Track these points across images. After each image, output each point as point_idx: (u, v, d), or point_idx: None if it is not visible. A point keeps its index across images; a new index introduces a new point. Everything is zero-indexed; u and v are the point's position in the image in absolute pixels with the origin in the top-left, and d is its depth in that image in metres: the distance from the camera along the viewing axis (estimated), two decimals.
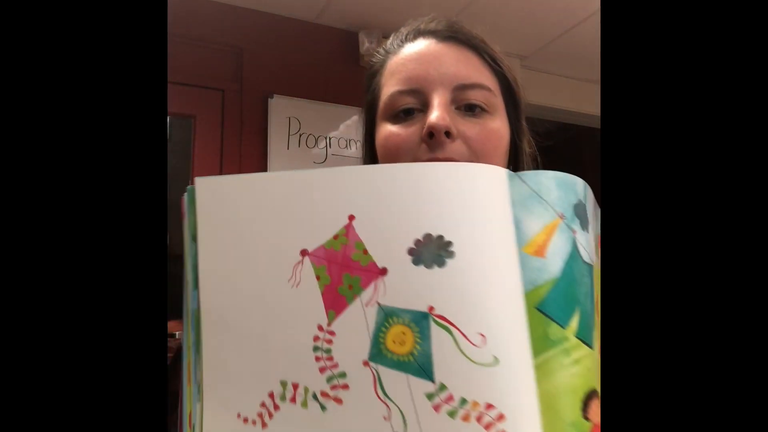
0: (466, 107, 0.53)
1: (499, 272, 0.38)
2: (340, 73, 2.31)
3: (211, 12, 2.10)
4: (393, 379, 0.37)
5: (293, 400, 0.37)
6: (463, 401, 0.36)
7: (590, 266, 0.40)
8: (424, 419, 0.36)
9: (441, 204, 0.38)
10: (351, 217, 0.38)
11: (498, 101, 0.55)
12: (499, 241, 0.38)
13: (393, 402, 0.36)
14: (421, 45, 0.56)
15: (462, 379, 0.36)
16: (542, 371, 0.37)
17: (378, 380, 0.37)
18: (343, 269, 0.37)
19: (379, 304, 0.37)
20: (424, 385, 0.36)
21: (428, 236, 0.37)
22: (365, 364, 0.37)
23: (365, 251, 0.37)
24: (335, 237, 0.38)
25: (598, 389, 0.38)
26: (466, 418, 0.36)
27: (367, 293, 0.37)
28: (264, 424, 0.37)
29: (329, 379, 0.37)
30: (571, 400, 0.37)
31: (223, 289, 0.38)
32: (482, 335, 0.36)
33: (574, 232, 0.40)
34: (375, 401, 0.37)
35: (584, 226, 0.41)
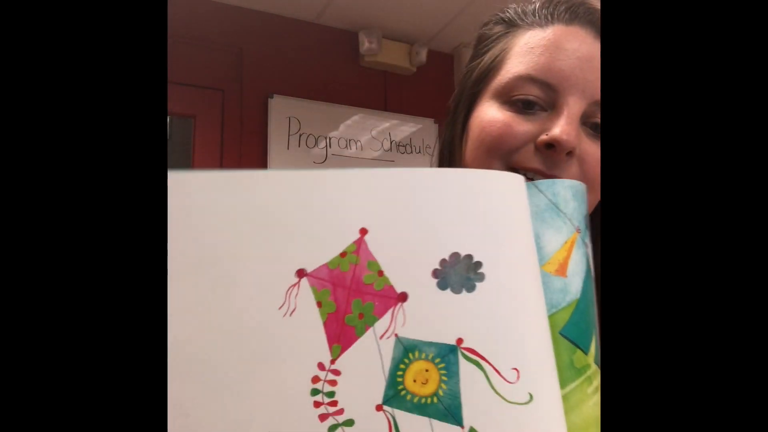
0: (593, 125, 0.43)
1: (527, 296, 0.31)
2: (340, 73, 2.23)
3: (211, 12, 2.04)
4: (413, 424, 0.29)
5: None
6: None
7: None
8: None
9: (468, 217, 0.31)
10: (363, 231, 0.30)
11: None
12: (526, 261, 0.32)
13: None
14: (576, 33, 0.43)
15: (495, 421, 0.29)
16: (569, 403, 0.31)
17: (395, 427, 0.29)
18: (353, 294, 0.30)
19: (397, 336, 0.30)
20: (450, 430, 0.29)
21: (455, 255, 0.30)
22: (379, 408, 0.29)
23: (380, 272, 0.30)
24: (342, 254, 0.30)
25: None
26: None
27: (382, 323, 0.30)
28: None
29: (332, 429, 0.29)
30: None
31: (191, 316, 0.29)
32: (516, 370, 0.29)
33: (586, 246, 0.35)
34: None
35: (591, 237, 0.36)
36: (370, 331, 0.30)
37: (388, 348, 0.29)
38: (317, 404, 0.29)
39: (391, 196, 0.30)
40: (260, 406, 0.29)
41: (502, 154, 0.42)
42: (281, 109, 2.11)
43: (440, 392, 0.29)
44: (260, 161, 2.05)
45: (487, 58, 0.46)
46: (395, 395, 0.29)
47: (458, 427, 0.29)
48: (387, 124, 2.31)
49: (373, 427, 0.29)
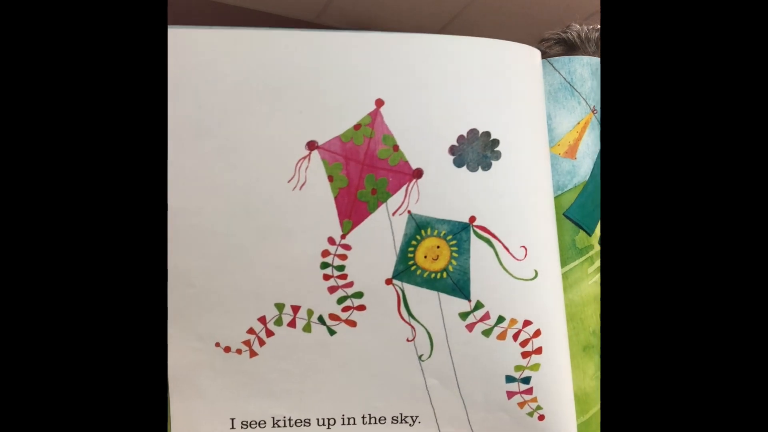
0: None
1: (538, 176, 0.31)
2: None
3: (211, 12, 1.85)
4: (421, 298, 0.29)
5: (292, 324, 0.29)
6: (501, 319, 0.30)
7: None
8: (454, 340, 0.30)
9: (487, 91, 0.29)
10: (379, 102, 0.28)
11: None
12: (539, 140, 0.31)
13: (419, 323, 0.30)
14: None
15: (502, 296, 0.30)
16: (568, 281, 0.32)
17: (403, 300, 0.29)
18: (366, 169, 0.28)
19: (410, 212, 0.29)
20: (457, 304, 0.30)
21: (473, 132, 0.28)
22: (388, 282, 0.29)
23: (396, 147, 0.28)
24: (357, 127, 0.28)
25: None
26: (502, 336, 0.30)
27: (395, 199, 0.29)
28: (253, 353, 0.30)
29: (341, 300, 0.29)
30: (593, 309, 0.33)
31: (196, 186, 0.28)
32: (525, 248, 0.30)
33: None
34: (397, 322, 0.30)
35: None
36: (382, 207, 0.28)
37: (401, 224, 0.29)
38: (327, 277, 0.29)
39: (409, 63, 0.28)
40: (268, 279, 0.29)
41: None
42: None
43: (450, 268, 0.29)
44: None
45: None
46: (405, 270, 0.29)
47: (465, 301, 0.29)
48: None
49: (382, 300, 0.29)
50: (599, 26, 0.43)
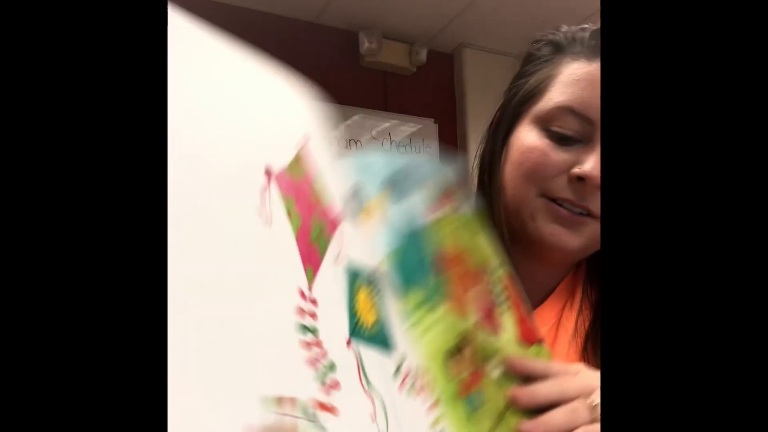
0: None
1: None
2: (340, 73, 2.20)
3: (211, 12, 2.08)
4: (370, 359, 0.25)
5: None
6: (415, 370, 0.27)
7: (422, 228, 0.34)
8: (396, 406, 0.26)
9: None
10: (309, 136, 0.25)
11: None
12: None
13: (375, 392, 0.25)
14: None
15: (406, 344, 0.28)
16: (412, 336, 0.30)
17: (361, 365, 0.24)
18: (311, 208, 0.25)
19: (345, 259, 0.25)
20: (391, 361, 0.26)
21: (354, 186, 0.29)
22: (348, 344, 0.24)
23: (324, 185, 0.25)
24: (297, 159, 0.24)
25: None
26: (419, 391, 0.27)
27: (335, 245, 0.25)
28: None
29: (322, 378, 0.21)
30: (441, 361, 0.30)
31: None
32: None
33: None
34: (362, 397, 0.24)
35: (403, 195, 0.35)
36: (329, 254, 0.24)
37: (342, 273, 0.25)
38: (306, 345, 0.21)
39: None
40: (250, 355, 0.19)
41: (538, 181, 0.43)
42: None
43: (379, 319, 0.27)
44: None
45: (533, 81, 0.46)
46: (355, 327, 0.25)
47: (394, 355, 0.27)
48: (387, 124, 2.28)
49: (348, 368, 0.23)
50: (586, 26, 0.45)
